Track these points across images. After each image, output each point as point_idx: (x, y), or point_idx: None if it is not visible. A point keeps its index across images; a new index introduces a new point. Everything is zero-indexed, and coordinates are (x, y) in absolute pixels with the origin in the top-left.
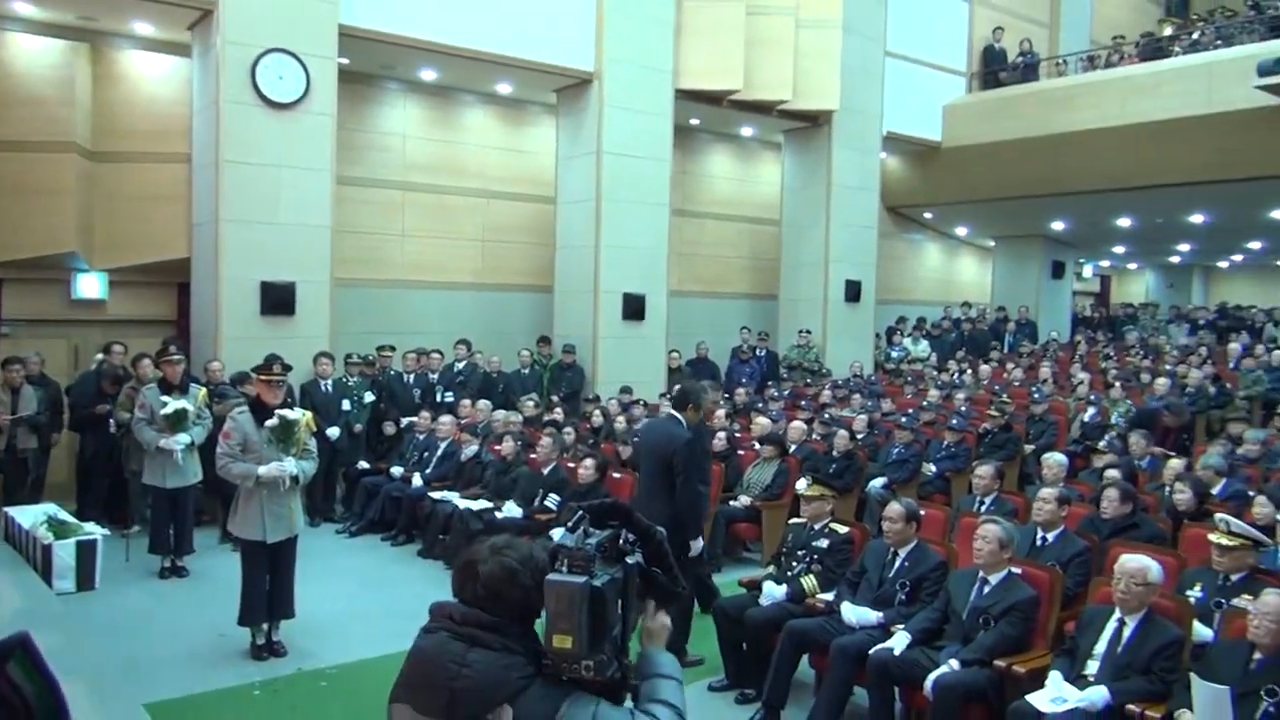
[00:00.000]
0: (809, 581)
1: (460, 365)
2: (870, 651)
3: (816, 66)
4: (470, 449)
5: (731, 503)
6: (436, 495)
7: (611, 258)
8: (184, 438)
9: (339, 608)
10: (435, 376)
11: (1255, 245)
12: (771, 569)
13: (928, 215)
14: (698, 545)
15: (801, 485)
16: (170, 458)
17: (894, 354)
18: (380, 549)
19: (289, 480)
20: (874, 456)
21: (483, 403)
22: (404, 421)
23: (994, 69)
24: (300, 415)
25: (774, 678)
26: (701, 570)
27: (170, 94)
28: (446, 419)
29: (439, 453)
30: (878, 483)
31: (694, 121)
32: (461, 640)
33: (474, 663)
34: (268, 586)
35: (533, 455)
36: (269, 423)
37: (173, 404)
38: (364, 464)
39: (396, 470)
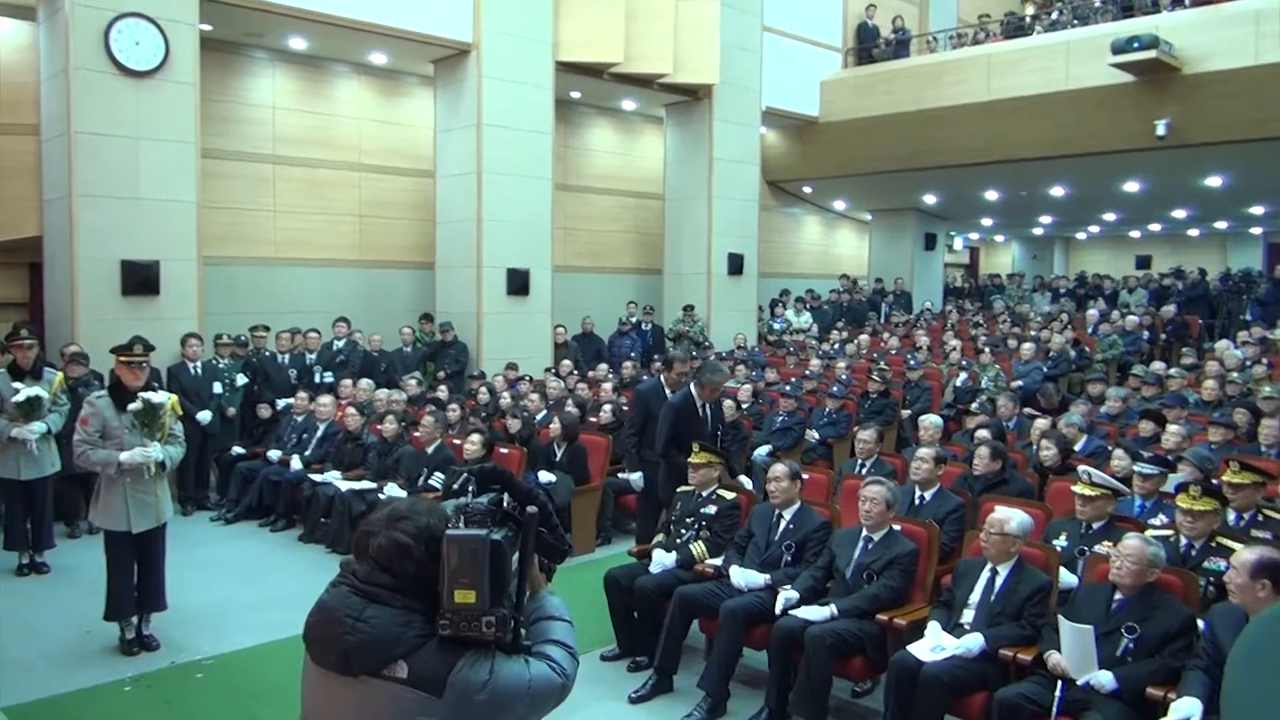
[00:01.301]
0: (698, 548)
1: (340, 344)
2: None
3: (696, 40)
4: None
5: (620, 475)
6: (317, 478)
7: (494, 232)
8: (39, 426)
9: (215, 597)
10: (313, 357)
11: (1110, 217)
12: (660, 537)
13: (807, 189)
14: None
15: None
16: (24, 448)
17: (777, 326)
18: (259, 535)
19: (154, 466)
20: (759, 425)
21: (364, 382)
22: (280, 403)
23: (867, 45)
24: (165, 398)
25: (665, 644)
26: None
27: (14, 61)
28: (327, 399)
29: (319, 434)
30: (763, 450)
31: (575, 95)
32: (361, 596)
33: (371, 618)
34: (135, 578)
35: (416, 434)
36: (131, 406)
37: (25, 391)
38: (238, 448)
39: (274, 454)
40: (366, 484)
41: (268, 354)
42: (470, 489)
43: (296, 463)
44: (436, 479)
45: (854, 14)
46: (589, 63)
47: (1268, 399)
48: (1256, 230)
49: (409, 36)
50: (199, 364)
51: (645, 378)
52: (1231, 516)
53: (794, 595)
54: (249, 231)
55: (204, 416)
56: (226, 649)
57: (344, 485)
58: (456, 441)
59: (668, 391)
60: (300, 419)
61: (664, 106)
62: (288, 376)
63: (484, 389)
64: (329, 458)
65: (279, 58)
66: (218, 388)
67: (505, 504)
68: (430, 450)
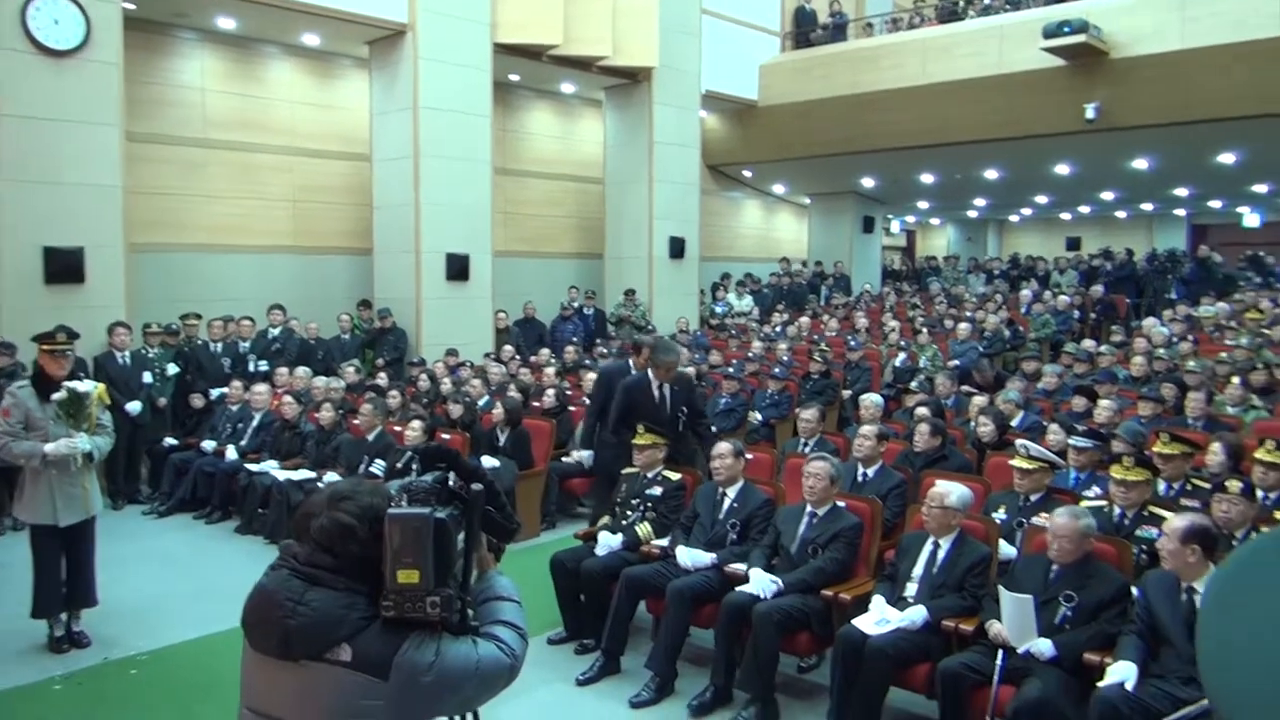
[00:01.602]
0: (644, 529)
1: (275, 332)
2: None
3: (635, 23)
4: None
5: (564, 459)
6: (254, 467)
7: (432, 217)
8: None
9: (150, 592)
10: (247, 345)
11: (1041, 199)
12: (606, 519)
13: (747, 173)
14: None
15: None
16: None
17: (718, 309)
18: (194, 528)
19: (81, 458)
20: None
21: (301, 370)
22: (214, 393)
23: (805, 30)
24: (91, 387)
25: (612, 625)
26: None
27: None
28: (263, 388)
29: (255, 423)
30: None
31: (513, 77)
32: (302, 578)
33: (312, 601)
34: (64, 574)
35: (355, 422)
36: (55, 396)
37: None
38: (171, 440)
39: (208, 444)
40: (305, 473)
41: (200, 343)
42: (414, 468)
43: (232, 453)
44: (378, 466)
45: None
46: (527, 45)
47: (1192, 373)
48: (1181, 212)
49: (342, 17)
50: (127, 353)
51: (607, 359)
52: (1162, 487)
53: (769, 585)
54: (179, 217)
55: (133, 407)
56: (163, 644)
57: (282, 475)
58: (397, 428)
59: (653, 384)
60: (235, 408)
61: (603, 90)
62: (221, 365)
63: (424, 375)
64: (265, 447)
65: (207, 38)
66: (148, 377)
67: (451, 483)
68: (370, 438)
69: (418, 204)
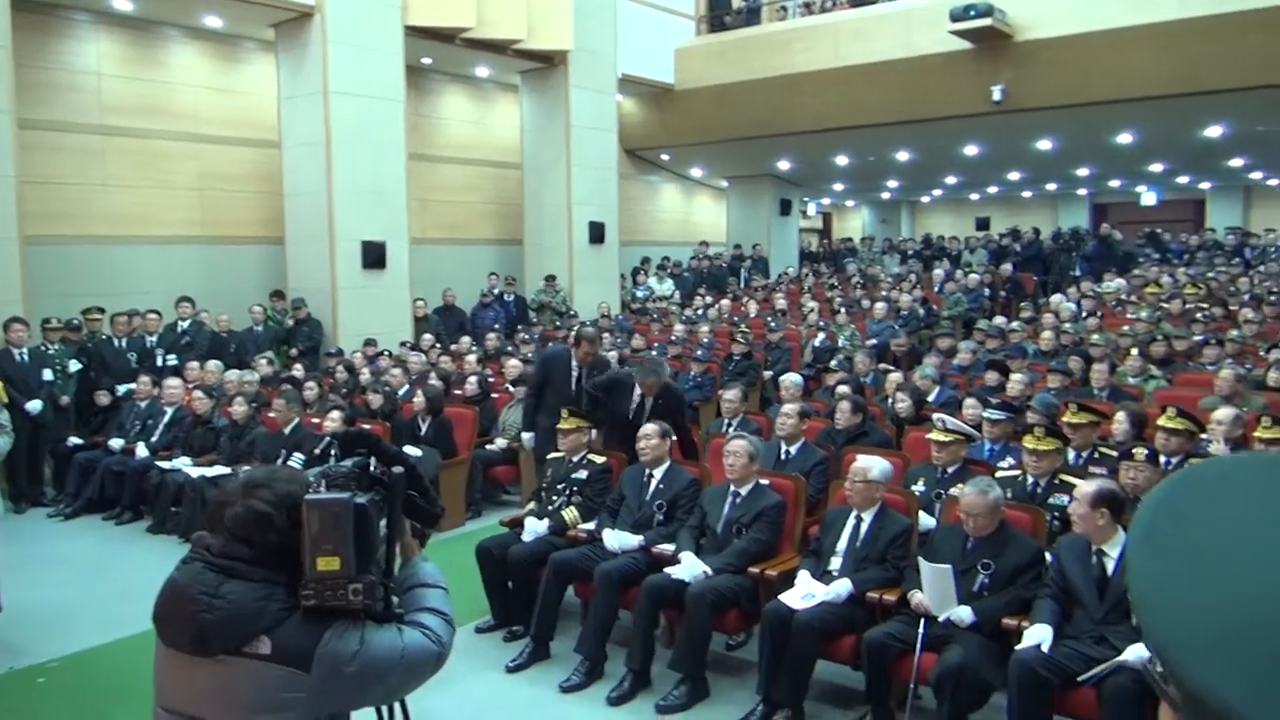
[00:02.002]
0: (570, 513)
1: (184, 325)
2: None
3: (550, 6)
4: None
5: (488, 446)
6: (165, 465)
7: (346, 204)
8: None
9: (58, 596)
10: (154, 339)
11: (951, 180)
12: (532, 505)
13: (664, 157)
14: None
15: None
16: None
17: (640, 293)
18: (103, 529)
19: None
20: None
21: (213, 363)
22: (120, 389)
23: (720, 13)
24: None
25: (541, 610)
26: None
27: None
28: (174, 382)
29: (166, 419)
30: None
31: (426, 61)
32: (217, 571)
33: (228, 594)
34: None
35: (270, 415)
36: None
37: None
38: (76, 439)
39: (116, 443)
40: (219, 469)
41: (104, 338)
42: (333, 453)
43: (142, 450)
44: (295, 459)
45: None
46: (440, 27)
47: (1096, 346)
48: (1083, 191)
49: None
50: (25, 350)
51: (530, 345)
52: (1071, 455)
53: (699, 570)
54: (78, 208)
55: (34, 406)
56: (72, 650)
57: (195, 471)
58: (315, 420)
59: (573, 365)
60: (144, 404)
61: (519, 74)
62: (127, 361)
63: (341, 366)
64: (177, 443)
65: (102, 20)
66: (48, 375)
67: (371, 468)
68: (287, 430)
69: (330, 191)
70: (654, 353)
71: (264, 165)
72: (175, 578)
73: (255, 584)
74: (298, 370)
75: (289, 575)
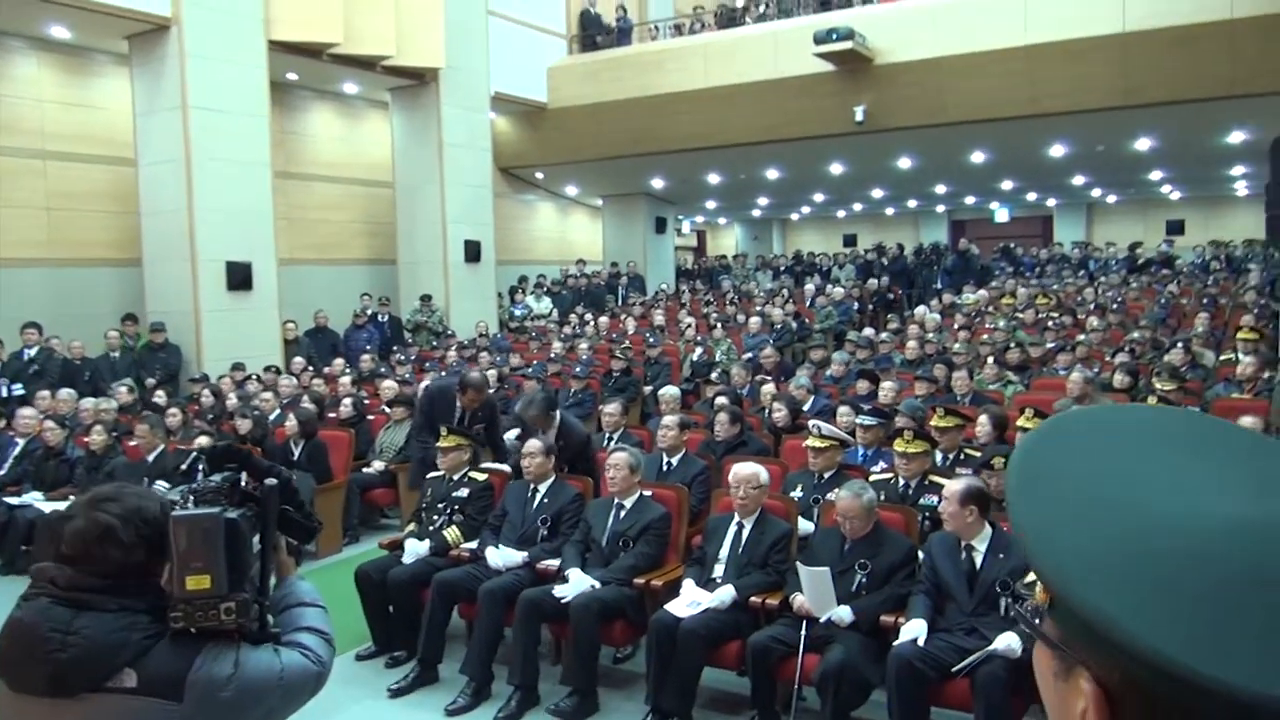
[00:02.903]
0: (452, 533)
1: (32, 353)
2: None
3: (419, 22)
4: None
5: (364, 470)
6: (14, 500)
7: (208, 223)
8: None
9: None
10: None
11: (819, 198)
12: (413, 527)
13: (539, 175)
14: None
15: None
16: None
17: (517, 312)
18: None
19: None
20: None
21: (65, 392)
22: None
23: (591, 33)
24: None
25: (427, 633)
26: None
27: None
28: (28, 412)
29: (15, 452)
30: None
31: (291, 76)
32: (66, 605)
33: (83, 629)
34: None
35: (131, 443)
36: None
37: None
38: None
39: None
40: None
41: None
42: (200, 468)
43: None
44: (159, 487)
45: (577, 1)
46: (305, 42)
47: (958, 354)
48: (941, 208)
49: (94, 8)
50: None
51: (405, 367)
52: (939, 457)
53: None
54: None
55: None
56: None
57: (48, 506)
58: (181, 447)
59: (458, 405)
60: None
61: (389, 91)
62: None
63: (207, 391)
64: (27, 477)
65: None
66: None
67: (242, 483)
68: (150, 458)
69: (191, 210)
70: (531, 371)
71: (118, 183)
72: (19, 616)
73: (111, 614)
74: (159, 397)
75: (147, 601)
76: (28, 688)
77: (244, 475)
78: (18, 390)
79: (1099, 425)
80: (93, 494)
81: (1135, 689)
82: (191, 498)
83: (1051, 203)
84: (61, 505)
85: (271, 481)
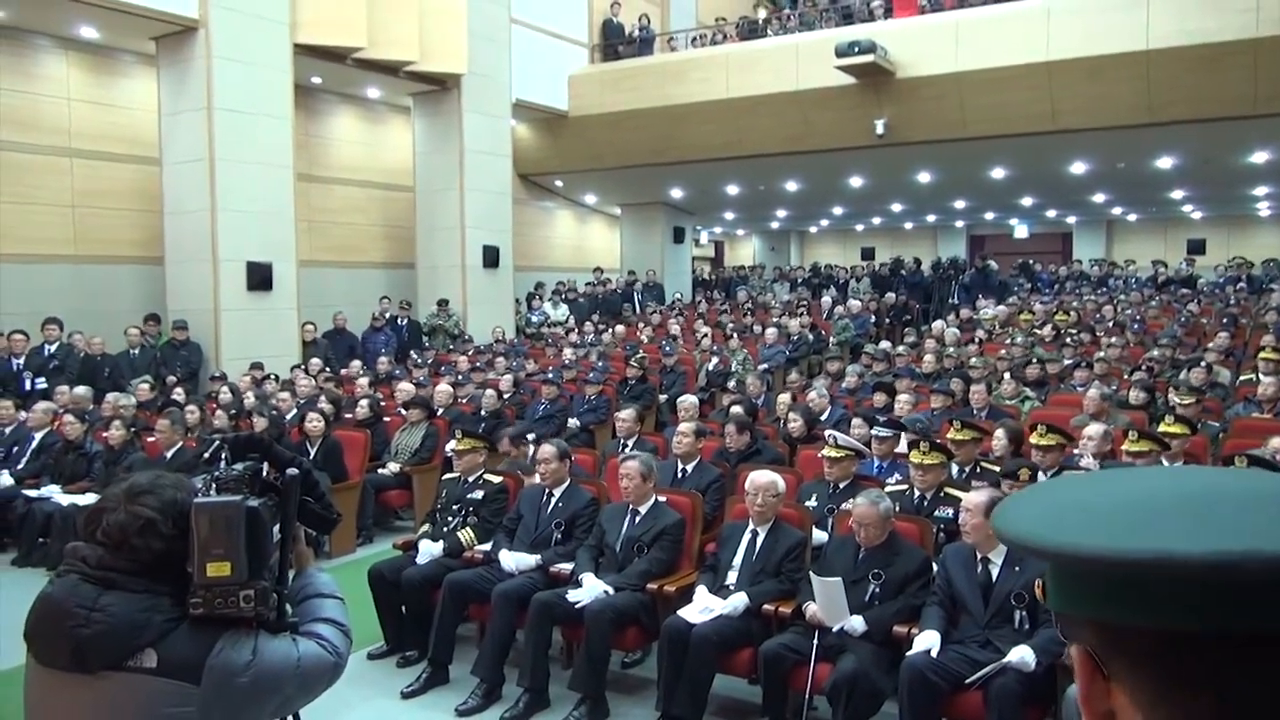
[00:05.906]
0: (466, 534)
1: (52, 348)
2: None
3: (443, 28)
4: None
5: (380, 471)
6: (33, 493)
7: (230, 224)
8: None
9: None
10: (20, 361)
11: (838, 211)
12: (427, 528)
13: (558, 183)
14: None
15: (451, 445)
16: None
17: (534, 318)
18: None
19: None
20: (521, 414)
21: (81, 389)
22: None
23: (613, 42)
24: None
25: (438, 634)
26: None
27: None
28: (42, 405)
29: (34, 445)
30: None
31: (316, 80)
32: (94, 583)
33: (108, 607)
34: None
35: (150, 439)
36: None
37: None
38: None
39: None
40: (91, 497)
41: None
42: (223, 457)
43: (6, 478)
44: None
45: (599, 10)
46: (330, 46)
47: (975, 369)
48: (960, 223)
49: (124, 9)
50: None
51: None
52: (954, 470)
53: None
54: None
55: None
56: None
57: (65, 500)
58: (203, 438)
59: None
60: (9, 429)
61: (411, 96)
62: None
63: (226, 389)
64: (46, 470)
65: None
66: None
67: (264, 473)
68: (169, 455)
69: (214, 210)
70: (549, 375)
71: (142, 183)
72: (50, 592)
73: (137, 595)
74: (178, 394)
75: (172, 585)
76: (52, 662)
77: (266, 465)
78: (40, 384)
79: (1085, 479)
80: (129, 485)
81: (1105, 635)
82: (214, 485)
83: (1071, 220)
84: (79, 499)
85: (293, 471)
